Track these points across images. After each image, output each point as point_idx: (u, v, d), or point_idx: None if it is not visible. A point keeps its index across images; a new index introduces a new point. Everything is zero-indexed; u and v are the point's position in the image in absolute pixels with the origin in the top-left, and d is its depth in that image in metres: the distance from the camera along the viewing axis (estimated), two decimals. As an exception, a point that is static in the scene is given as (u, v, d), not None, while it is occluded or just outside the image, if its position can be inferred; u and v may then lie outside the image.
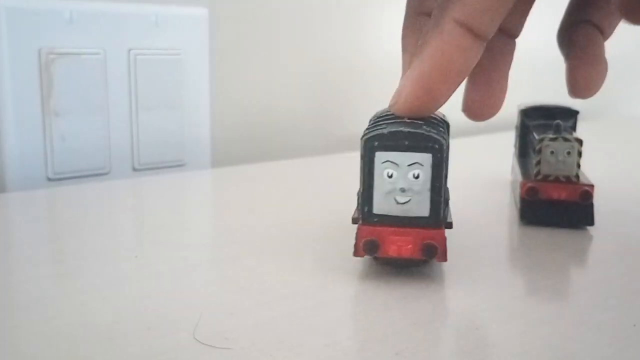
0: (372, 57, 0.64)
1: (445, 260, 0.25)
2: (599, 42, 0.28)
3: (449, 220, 0.26)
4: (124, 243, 0.31)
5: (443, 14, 0.24)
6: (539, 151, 0.34)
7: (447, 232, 0.26)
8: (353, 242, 0.26)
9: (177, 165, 0.51)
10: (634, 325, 0.23)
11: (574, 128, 0.40)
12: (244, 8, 0.54)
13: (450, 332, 0.22)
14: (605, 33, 0.28)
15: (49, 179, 0.45)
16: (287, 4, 0.57)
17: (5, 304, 0.24)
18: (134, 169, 0.48)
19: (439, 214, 0.25)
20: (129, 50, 0.47)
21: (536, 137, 0.35)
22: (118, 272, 0.27)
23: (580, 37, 0.26)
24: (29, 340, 0.21)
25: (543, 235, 0.33)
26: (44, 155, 0.44)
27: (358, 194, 0.26)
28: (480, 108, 0.29)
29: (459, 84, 0.25)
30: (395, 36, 0.30)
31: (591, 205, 0.34)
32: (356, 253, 0.26)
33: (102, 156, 0.46)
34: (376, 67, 0.64)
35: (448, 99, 0.26)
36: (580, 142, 0.34)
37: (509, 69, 0.28)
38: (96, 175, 0.46)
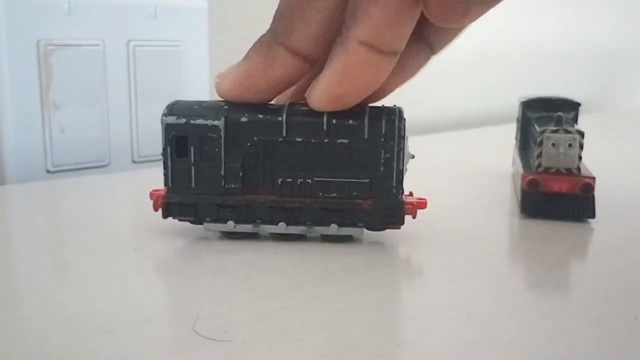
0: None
1: None
2: (419, 56, 0.30)
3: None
4: (124, 236, 0.31)
5: (348, 33, 0.26)
6: (540, 143, 0.34)
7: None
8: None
9: (177, 158, 0.51)
10: (635, 318, 0.23)
11: (575, 120, 0.40)
12: (244, -1, 0.54)
13: (450, 325, 0.22)
14: (433, 49, 0.30)
15: (48, 172, 0.44)
16: (287, -5, 0.56)
17: (5, 297, 0.24)
18: (134, 161, 0.48)
19: None
20: (128, 41, 0.46)
21: (537, 129, 0.34)
22: (117, 265, 0.27)
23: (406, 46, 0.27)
24: (28, 333, 0.21)
25: (544, 228, 0.33)
26: (43, 147, 0.44)
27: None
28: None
29: (370, 92, 0.27)
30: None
31: (592, 198, 0.34)
32: None
33: (101, 148, 0.46)
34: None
35: (358, 101, 0.27)
36: (581, 134, 0.34)
37: (414, 74, 0.30)
38: (96, 167, 0.46)
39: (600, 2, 0.91)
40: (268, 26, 0.28)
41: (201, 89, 0.51)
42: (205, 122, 0.28)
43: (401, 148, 0.28)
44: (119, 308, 0.23)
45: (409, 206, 0.29)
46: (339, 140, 0.28)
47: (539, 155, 0.34)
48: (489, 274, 0.27)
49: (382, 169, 0.28)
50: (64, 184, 0.41)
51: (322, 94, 0.27)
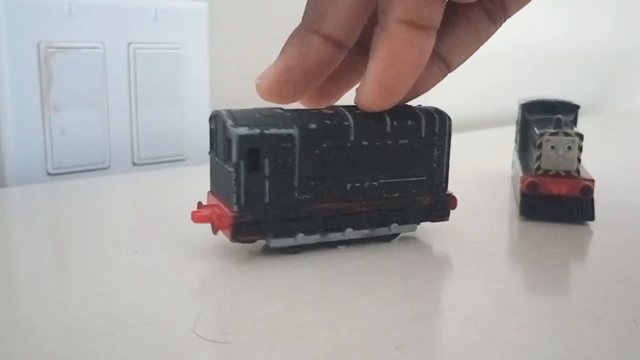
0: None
1: None
2: (433, 70, 0.30)
3: None
4: (124, 237, 0.31)
5: (386, 17, 0.26)
6: (540, 146, 0.34)
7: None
8: None
9: (177, 160, 0.51)
10: (634, 320, 0.23)
11: (574, 123, 0.40)
12: (244, 2, 0.54)
13: (450, 326, 0.22)
14: (450, 66, 0.30)
15: (49, 174, 0.44)
16: (287, -3, 0.56)
17: (5, 297, 0.24)
18: (134, 164, 0.48)
19: None
20: (129, 44, 0.46)
21: (537, 131, 0.35)
22: (118, 267, 0.27)
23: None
24: (29, 333, 0.21)
25: (543, 230, 0.33)
26: (43, 149, 0.44)
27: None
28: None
29: (417, 75, 0.27)
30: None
31: (592, 200, 0.34)
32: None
33: (101, 150, 0.46)
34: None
35: (407, 90, 0.27)
36: (580, 136, 0.34)
37: (427, 87, 0.30)
38: (96, 169, 0.46)
39: (600, 2, 0.91)
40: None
41: (201, 91, 0.51)
42: (279, 131, 0.26)
43: (449, 145, 0.30)
44: (119, 309, 0.23)
45: (453, 200, 0.31)
46: (400, 141, 0.29)
47: (538, 157, 0.34)
48: (489, 275, 0.27)
49: (435, 165, 0.30)
50: (65, 186, 0.41)
51: (373, 87, 0.27)
